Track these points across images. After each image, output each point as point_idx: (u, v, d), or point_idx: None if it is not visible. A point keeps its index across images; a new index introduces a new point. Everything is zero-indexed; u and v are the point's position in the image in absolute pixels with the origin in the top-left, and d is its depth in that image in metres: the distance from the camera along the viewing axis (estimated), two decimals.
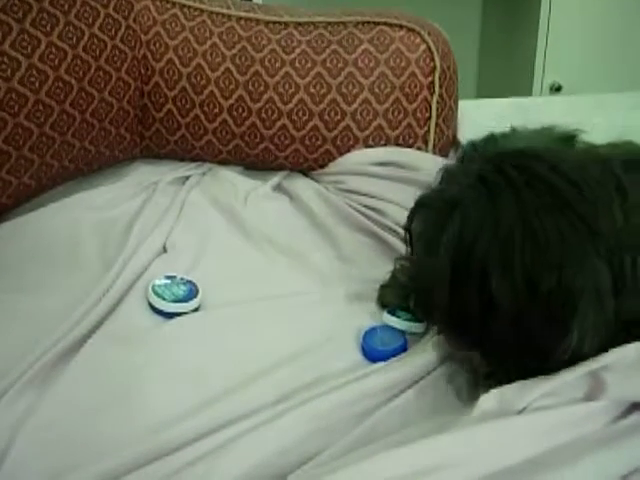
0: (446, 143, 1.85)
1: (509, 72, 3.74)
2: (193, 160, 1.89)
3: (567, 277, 0.99)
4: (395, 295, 1.35)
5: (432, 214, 1.11)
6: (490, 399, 1.02)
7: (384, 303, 1.36)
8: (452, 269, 1.05)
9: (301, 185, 1.78)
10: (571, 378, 1.02)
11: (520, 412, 1.01)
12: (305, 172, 1.85)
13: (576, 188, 1.02)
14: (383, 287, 1.38)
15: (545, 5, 3.40)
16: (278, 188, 1.81)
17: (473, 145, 1.24)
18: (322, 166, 1.82)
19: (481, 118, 2.05)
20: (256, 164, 1.86)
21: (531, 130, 1.23)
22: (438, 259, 1.06)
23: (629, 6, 3.46)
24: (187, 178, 1.81)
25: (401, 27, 1.79)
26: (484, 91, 3.89)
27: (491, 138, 1.23)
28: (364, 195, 1.68)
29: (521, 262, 1.00)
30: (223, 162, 1.87)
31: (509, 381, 1.04)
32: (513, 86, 3.63)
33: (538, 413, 1.01)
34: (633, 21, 3.48)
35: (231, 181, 1.79)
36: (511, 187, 1.04)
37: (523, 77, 3.57)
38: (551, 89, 3.44)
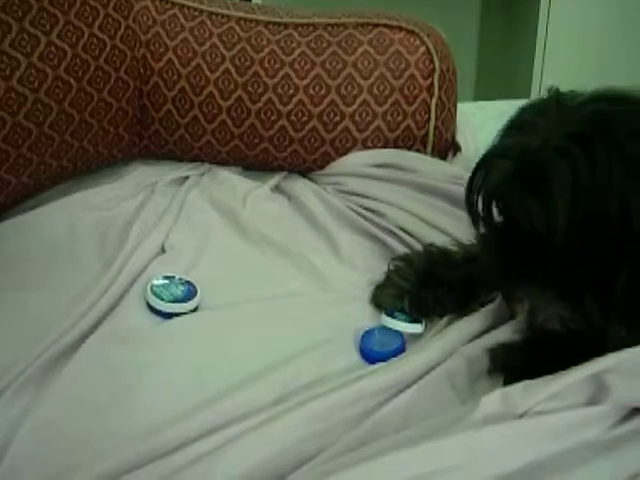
0: (445, 145, 1.85)
1: (507, 74, 3.75)
2: (192, 160, 1.89)
3: None
4: (389, 296, 1.35)
5: (515, 164, 1.07)
6: (493, 401, 1.02)
7: (377, 304, 1.36)
8: (574, 217, 1.02)
9: (300, 186, 1.78)
10: (574, 381, 1.03)
11: (523, 415, 1.01)
12: (304, 173, 1.85)
13: None
14: (377, 288, 1.38)
15: (544, 8, 3.41)
16: (277, 189, 1.81)
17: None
18: (321, 167, 1.82)
19: (479, 120, 2.06)
20: (255, 165, 1.86)
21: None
22: (547, 209, 1.03)
23: (627, 9, 3.47)
24: (186, 178, 1.81)
25: (400, 29, 1.79)
26: (482, 93, 3.89)
27: (553, 94, 1.19)
28: (363, 197, 1.68)
29: None
30: (222, 163, 1.87)
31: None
32: (511, 88, 3.63)
33: (541, 417, 1.01)
34: (631, 24, 3.49)
35: (230, 182, 1.79)
36: (622, 131, 1.03)
37: (521, 79, 3.58)
38: (549, 92, 3.43)
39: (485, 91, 3.88)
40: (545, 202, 1.03)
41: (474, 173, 1.14)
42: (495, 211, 1.14)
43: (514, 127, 1.13)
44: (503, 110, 2.11)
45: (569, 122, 1.05)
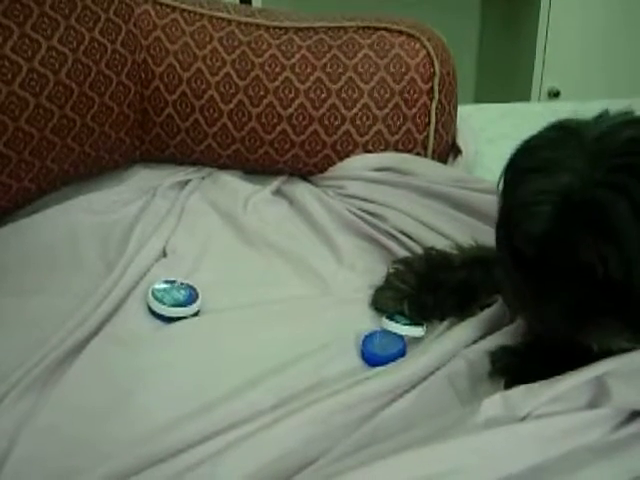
0: (445, 148, 1.85)
1: (508, 78, 3.75)
2: (193, 164, 1.89)
3: None
4: (389, 299, 1.35)
5: (558, 207, 0.99)
6: (494, 404, 1.03)
7: (377, 307, 1.37)
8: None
9: (301, 190, 1.78)
10: (576, 383, 1.03)
11: (524, 418, 1.01)
12: (305, 177, 1.85)
13: None
14: (377, 291, 1.38)
15: (544, 11, 3.41)
16: (278, 193, 1.81)
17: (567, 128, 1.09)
18: (322, 171, 1.82)
19: (480, 123, 2.06)
20: (256, 168, 1.86)
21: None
22: (618, 250, 0.97)
23: (628, 12, 3.47)
24: (187, 182, 1.81)
25: (401, 33, 1.79)
26: (483, 96, 3.89)
27: (556, 126, 1.13)
28: (364, 200, 1.68)
29: None
30: (223, 166, 1.87)
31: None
32: (512, 92, 3.63)
33: (542, 420, 1.01)
34: (632, 27, 3.49)
35: (231, 185, 1.79)
36: None
37: (521, 83, 3.58)
38: (549, 95, 3.45)
39: (485, 93, 3.89)
40: (617, 244, 0.97)
41: (506, 223, 1.09)
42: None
43: (535, 169, 1.05)
44: (503, 113, 2.13)
45: (602, 154, 1.00)
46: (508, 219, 1.09)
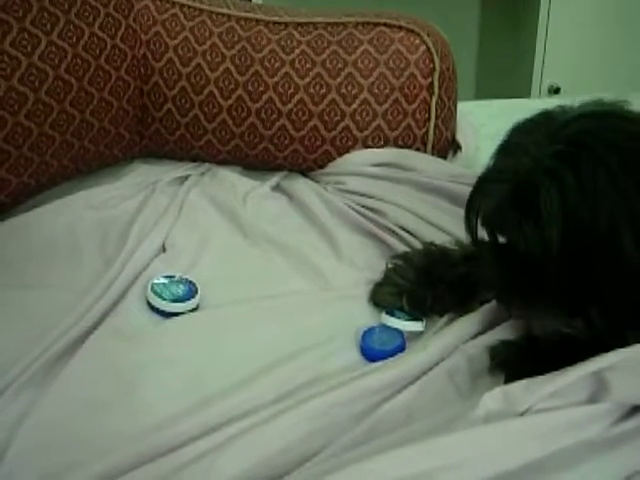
0: (445, 144, 1.85)
1: (508, 74, 3.75)
2: (192, 160, 1.89)
3: None
4: (388, 294, 1.35)
5: (507, 187, 1.08)
6: (494, 398, 1.03)
7: (376, 302, 1.37)
8: (566, 236, 1.04)
9: (300, 185, 1.78)
10: (575, 378, 1.03)
11: (524, 412, 1.01)
12: (304, 172, 1.85)
13: None
14: (376, 286, 1.38)
15: (544, 7, 3.41)
16: (277, 188, 1.82)
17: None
18: (321, 166, 1.82)
19: (480, 119, 2.06)
20: (255, 164, 1.87)
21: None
22: (539, 230, 1.05)
23: (627, 9, 3.47)
24: (186, 178, 1.81)
25: (401, 28, 1.79)
26: (483, 92, 3.89)
27: (543, 113, 1.21)
28: (363, 196, 1.68)
29: None
30: (222, 162, 1.87)
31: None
32: (512, 88, 3.63)
33: (542, 415, 1.01)
34: (631, 23, 3.49)
35: (230, 181, 1.79)
36: (607, 147, 1.05)
37: (522, 79, 3.58)
38: (549, 91, 3.44)
39: (486, 90, 3.88)
40: (539, 225, 1.05)
41: (471, 197, 1.15)
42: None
43: (506, 149, 1.14)
44: (503, 108, 2.13)
45: (556, 141, 1.07)
46: (471, 194, 1.16)
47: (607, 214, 1.02)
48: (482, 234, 1.17)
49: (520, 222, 1.06)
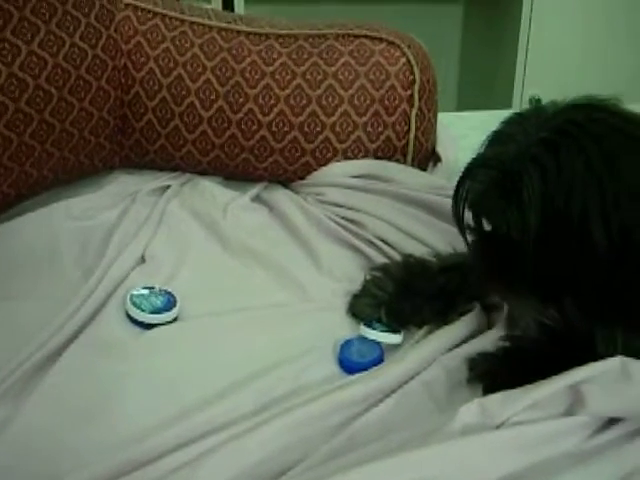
0: (425, 155, 1.86)
1: (490, 85, 3.76)
2: (173, 170, 1.88)
3: None
4: (366, 305, 1.35)
5: (494, 173, 1.10)
6: (471, 411, 1.03)
7: (354, 313, 1.37)
8: (544, 222, 1.06)
9: (280, 196, 1.78)
10: (552, 391, 1.03)
11: (500, 425, 1.02)
12: (285, 183, 1.85)
13: None
14: (354, 298, 1.38)
15: (525, 19, 3.43)
16: (257, 199, 1.81)
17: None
18: (301, 177, 1.82)
19: (461, 130, 2.06)
20: (236, 175, 1.86)
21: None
22: (520, 215, 1.06)
23: (608, 20, 3.49)
24: (167, 188, 1.80)
25: (381, 40, 1.79)
26: (465, 104, 3.90)
27: (534, 106, 1.23)
28: (343, 207, 1.68)
29: (615, 209, 1.03)
30: (203, 173, 1.87)
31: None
32: (493, 99, 3.65)
33: (519, 427, 1.02)
34: (612, 35, 3.51)
35: (210, 192, 1.79)
36: (590, 137, 1.06)
37: (503, 90, 3.60)
38: (531, 102, 3.46)
39: (467, 101, 3.90)
40: (520, 209, 1.06)
41: (459, 184, 1.16)
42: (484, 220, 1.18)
43: (496, 138, 1.16)
44: (484, 120, 2.13)
45: (543, 130, 1.08)
46: (459, 179, 1.17)
47: (580, 201, 1.03)
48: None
49: (504, 208, 1.08)
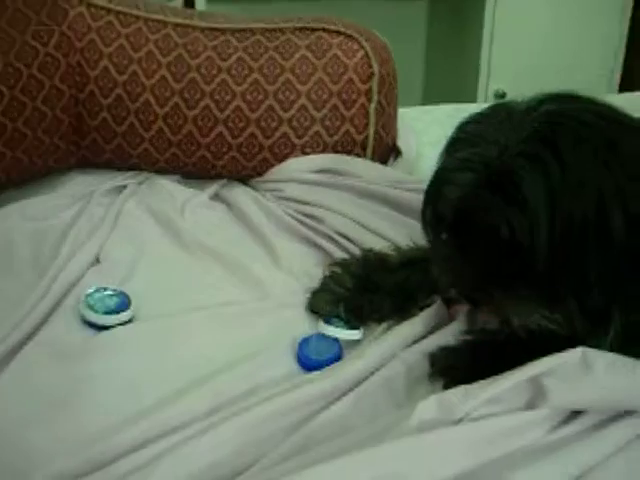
0: (385, 149, 1.85)
1: (454, 78, 3.77)
2: (130, 169, 1.86)
3: None
4: (324, 301, 1.33)
5: (477, 175, 1.05)
6: (429, 407, 1.02)
7: (313, 310, 1.35)
8: (552, 219, 1.01)
9: (239, 193, 1.76)
10: (512, 384, 1.02)
11: (460, 420, 1.00)
12: (243, 180, 1.83)
13: None
14: (313, 294, 1.37)
15: (489, 14, 3.44)
16: (216, 197, 1.80)
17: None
18: (260, 174, 1.80)
19: (424, 124, 2.06)
20: (193, 173, 1.85)
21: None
22: (525, 216, 1.01)
23: (574, 14, 3.50)
24: (124, 187, 1.78)
25: (339, 33, 1.78)
26: (430, 97, 3.92)
27: (493, 106, 1.20)
28: (302, 203, 1.67)
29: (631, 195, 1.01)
30: (160, 171, 1.85)
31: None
32: (458, 92, 3.66)
33: (478, 422, 1.00)
34: (577, 28, 3.52)
35: (168, 190, 1.77)
36: (587, 126, 1.04)
37: (468, 85, 3.60)
38: (496, 96, 3.47)
39: (433, 96, 3.91)
40: (524, 210, 1.01)
41: (431, 187, 1.14)
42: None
43: (463, 140, 1.12)
44: (449, 114, 2.13)
45: (523, 127, 1.05)
46: (433, 184, 1.14)
47: (594, 191, 1.00)
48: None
49: (502, 207, 1.03)
